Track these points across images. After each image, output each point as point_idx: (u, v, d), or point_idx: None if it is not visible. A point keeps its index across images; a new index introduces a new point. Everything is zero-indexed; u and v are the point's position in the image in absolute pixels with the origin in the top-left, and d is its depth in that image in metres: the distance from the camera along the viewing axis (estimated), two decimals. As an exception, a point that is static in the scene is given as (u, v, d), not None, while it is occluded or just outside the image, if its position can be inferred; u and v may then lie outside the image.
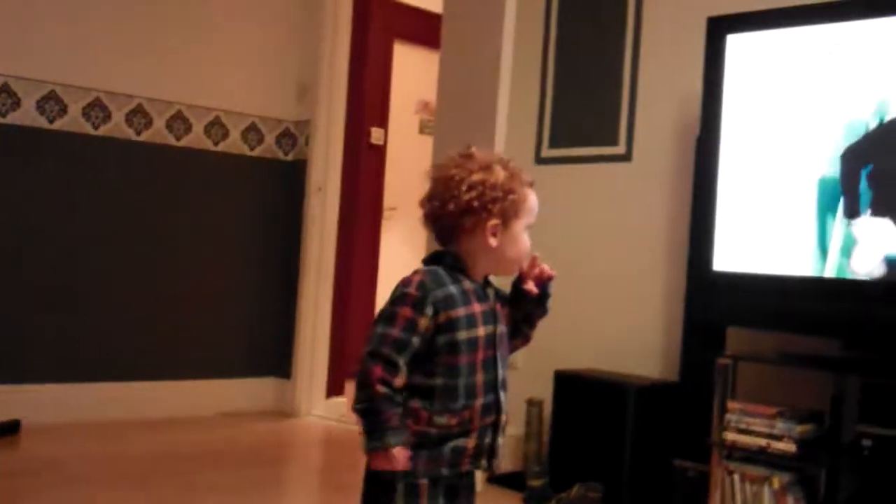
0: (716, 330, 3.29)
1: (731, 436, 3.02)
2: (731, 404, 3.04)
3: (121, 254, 4.60)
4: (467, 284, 1.84)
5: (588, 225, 4.03)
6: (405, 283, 1.81)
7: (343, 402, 5.01)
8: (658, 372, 3.70)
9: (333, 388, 5.15)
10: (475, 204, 1.81)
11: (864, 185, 2.81)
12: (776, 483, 2.93)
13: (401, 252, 5.44)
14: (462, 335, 1.78)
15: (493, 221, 1.83)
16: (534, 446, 3.83)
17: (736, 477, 3.01)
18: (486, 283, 1.89)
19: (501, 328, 1.88)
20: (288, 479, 4.10)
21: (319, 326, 5.10)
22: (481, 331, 1.82)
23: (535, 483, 3.65)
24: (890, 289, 2.77)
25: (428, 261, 1.88)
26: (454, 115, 4.26)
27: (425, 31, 5.45)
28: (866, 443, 2.79)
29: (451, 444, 1.79)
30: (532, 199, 1.90)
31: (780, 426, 2.93)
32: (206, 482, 3.62)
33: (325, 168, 5.11)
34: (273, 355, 5.12)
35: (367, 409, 1.74)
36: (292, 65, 5.14)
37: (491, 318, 1.85)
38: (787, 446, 2.91)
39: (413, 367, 1.77)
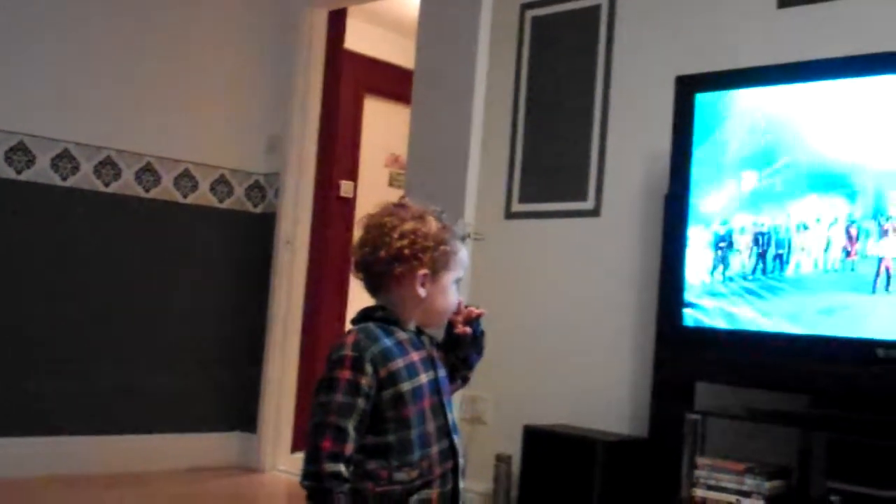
0: (685, 386, 3.29)
1: (700, 492, 3.01)
2: (700, 460, 3.04)
3: (86, 306, 4.55)
4: (401, 335, 1.85)
5: (557, 279, 4.04)
6: (339, 346, 1.80)
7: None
8: (627, 427, 3.70)
9: (299, 443, 5.10)
10: (406, 252, 1.83)
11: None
12: (745, 540, 2.93)
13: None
14: (405, 386, 1.79)
15: (423, 271, 1.84)
16: (502, 503, 3.80)
17: (705, 533, 3.00)
18: (419, 331, 1.90)
19: (442, 373, 1.90)
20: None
21: (286, 381, 5.06)
22: (423, 378, 1.83)
23: (504, 540, 3.62)
24: (856, 347, 2.79)
25: (357, 319, 1.88)
26: (425, 170, 4.29)
27: (396, 85, 5.48)
28: (834, 499, 2.79)
29: (416, 497, 1.78)
30: (463, 252, 1.92)
31: (750, 482, 2.93)
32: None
33: (294, 221, 5.10)
34: (239, 410, 5.06)
35: (315, 488, 1.73)
36: (263, 117, 5.15)
37: (430, 364, 1.87)
38: (756, 503, 2.91)
39: (363, 428, 1.76)
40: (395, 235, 1.84)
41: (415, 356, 1.84)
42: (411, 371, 1.81)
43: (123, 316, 4.67)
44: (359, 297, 2.03)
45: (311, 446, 1.75)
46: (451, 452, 1.85)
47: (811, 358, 2.87)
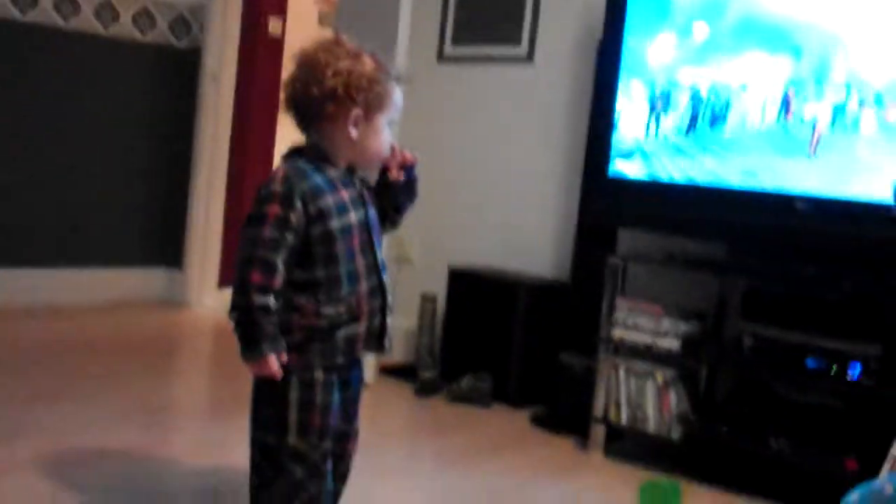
0: (608, 231, 3.38)
1: (618, 332, 3.13)
2: (619, 302, 3.14)
3: (8, 139, 4.44)
4: (332, 173, 1.83)
5: (488, 124, 4.06)
6: (269, 181, 1.79)
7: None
8: (551, 270, 3.79)
9: (225, 279, 5.13)
10: (339, 91, 1.79)
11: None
12: (659, 378, 3.06)
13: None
14: (335, 223, 1.79)
15: (356, 111, 1.81)
16: (426, 339, 3.90)
17: (621, 372, 3.13)
18: (350, 170, 1.89)
19: (371, 212, 1.89)
20: (176, 368, 4.08)
21: (212, 217, 5.06)
22: (353, 216, 1.82)
23: (427, 374, 3.73)
24: (776, 200, 2.87)
25: (287, 156, 1.86)
26: (356, 8, 4.19)
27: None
28: (747, 341, 2.92)
29: (343, 332, 1.81)
30: (397, 94, 1.87)
31: (666, 324, 3.05)
32: (91, 371, 3.56)
33: (221, 56, 5.00)
34: (164, 245, 5.06)
35: (243, 320, 1.74)
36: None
37: (360, 202, 1.86)
38: (671, 343, 3.03)
39: (292, 263, 1.76)
40: (329, 73, 1.79)
41: (345, 194, 1.83)
42: (341, 208, 1.81)
43: (48, 151, 4.57)
44: (288, 135, 2.00)
45: (238, 279, 1.75)
46: (379, 290, 1.86)
47: (731, 209, 2.95)
